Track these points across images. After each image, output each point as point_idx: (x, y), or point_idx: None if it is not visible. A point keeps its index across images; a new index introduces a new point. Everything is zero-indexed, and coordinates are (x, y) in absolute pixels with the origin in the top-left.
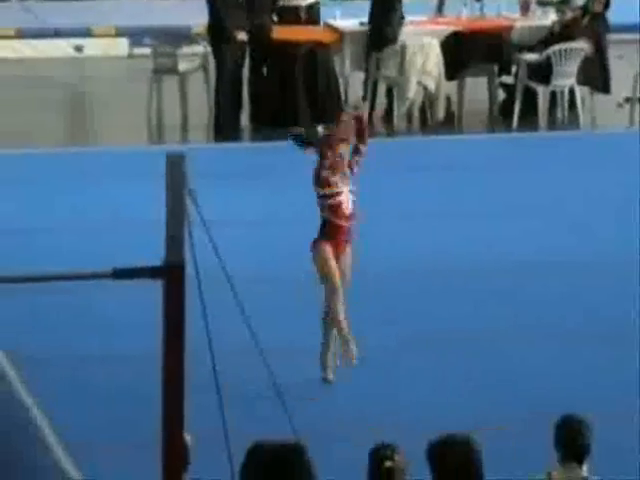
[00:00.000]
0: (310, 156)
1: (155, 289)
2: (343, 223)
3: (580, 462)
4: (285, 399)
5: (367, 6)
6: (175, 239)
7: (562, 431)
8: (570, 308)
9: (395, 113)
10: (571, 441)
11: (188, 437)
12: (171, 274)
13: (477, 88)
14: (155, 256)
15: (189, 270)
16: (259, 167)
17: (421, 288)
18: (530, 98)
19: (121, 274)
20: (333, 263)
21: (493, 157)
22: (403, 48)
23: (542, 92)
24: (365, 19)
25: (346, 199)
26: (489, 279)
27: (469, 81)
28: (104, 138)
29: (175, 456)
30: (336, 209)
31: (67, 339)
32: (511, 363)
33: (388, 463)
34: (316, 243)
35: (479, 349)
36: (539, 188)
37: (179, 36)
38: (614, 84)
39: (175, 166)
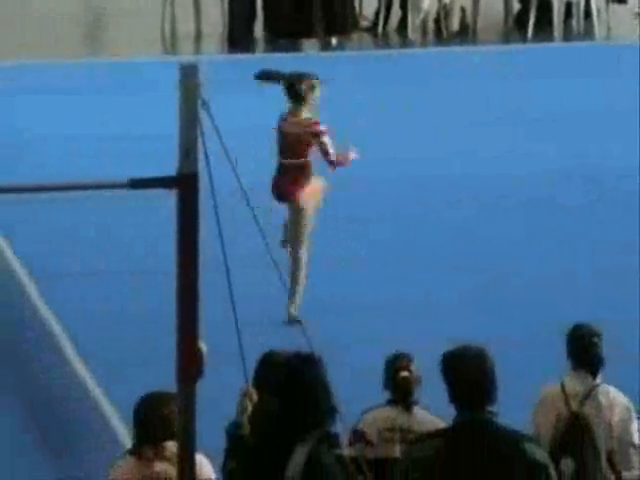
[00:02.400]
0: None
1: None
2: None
3: (593, 373)
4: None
5: None
6: (188, 149)
7: (574, 340)
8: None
9: (410, 24)
10: (583, 350)
11: (203, 346)
12: (185, 183)
13: None
14: (169, 167)
15: (203, 180)
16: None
17: (428, 194)
18: (545, 9)
19: (137, 184)
20: None
21: (508, 67)
22: None
23: (557, 2)
24: None
25: None
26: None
27: None
28: (118, 49)
29: (189, 364)
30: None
31: (86, 254)
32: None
33: (404, 373)
34: None
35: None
36: (553, 98)
37: None
38: None
39: (188, 77)
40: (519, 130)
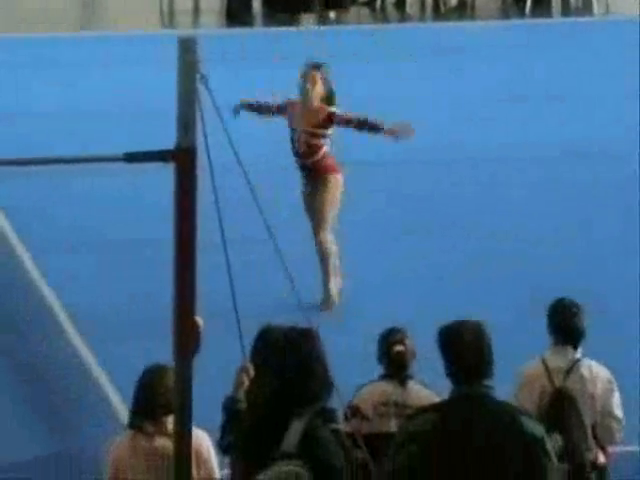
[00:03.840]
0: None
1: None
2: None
3: (574, 346)
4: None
5: None
6: (186, 123)
7: (555, 315)
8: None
9: None
10: (563, 323)
11: (199, 321)
12: (182, 158)
13: None
14: (168, 141)
15: (200, 155)
16: (271, 52)
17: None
18: None
19: (133, 158)
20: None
21: (506, 43)
22: None
23: None
24: None
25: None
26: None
27: None
28: (116, 22)
29: (186, 339)
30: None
31: (89, 224)
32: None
33: (398, 347)
34: None
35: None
36: (552, 74)
37: None
38: None
39: (187, 51)
40: (518, 106)
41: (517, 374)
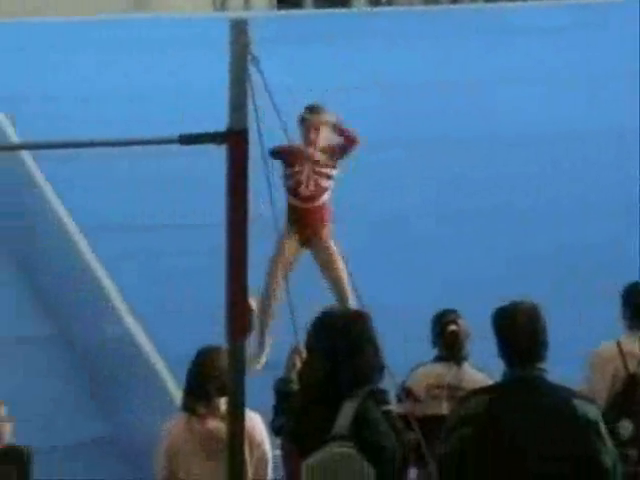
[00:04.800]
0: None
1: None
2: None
3: None
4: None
5: None
6: (238, 105)
7: (630, 299)
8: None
9: None
10: (638, 310)
11: (252, 302)
12: (234, 139)
13: None
14: (219, 124)
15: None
16: (322, 34)
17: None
18: None
19: (187, 140)
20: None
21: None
22: None
23: None
24: None
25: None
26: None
27: None
28: (168, 4)
29: (239, 321)
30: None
31: (137, 206)
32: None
33: (452, 327)
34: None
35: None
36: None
37: None
38: None
39: (239, 32)
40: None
41: (591, 355)
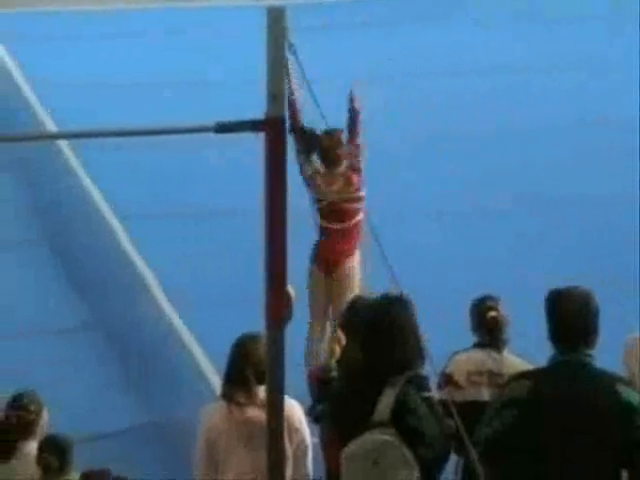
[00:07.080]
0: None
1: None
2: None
3: None
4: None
5: None
6: (276, 93)
7: None
8: None
9: None
10: None
11: (291, 290)
12: (272, 127)
13: None
14: (257, 112)
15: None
16: (360, 22)
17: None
18: None
19: (224, 128)
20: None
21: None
22: None
23: None
24: None
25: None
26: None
27: None
28: None
29: (278, 309)
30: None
31: (173, 196)
32: None
33: (492, 313)
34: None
35: None
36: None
37: None
38: None
39: (276, 20)
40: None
41: (627, 341)
